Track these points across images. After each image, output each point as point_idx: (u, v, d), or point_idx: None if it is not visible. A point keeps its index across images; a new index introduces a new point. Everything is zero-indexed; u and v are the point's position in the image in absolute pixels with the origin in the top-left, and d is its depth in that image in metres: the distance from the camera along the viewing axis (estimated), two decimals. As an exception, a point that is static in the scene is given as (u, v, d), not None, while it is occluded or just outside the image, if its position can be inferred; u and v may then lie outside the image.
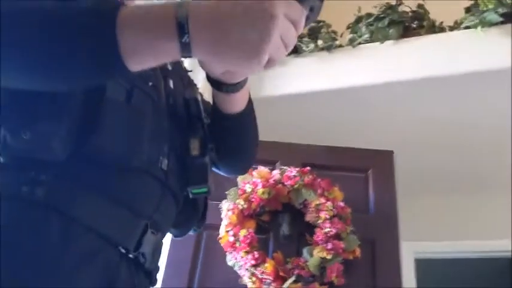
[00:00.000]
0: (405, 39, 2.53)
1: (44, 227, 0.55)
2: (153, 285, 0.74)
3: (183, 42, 0.49)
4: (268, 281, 1.80)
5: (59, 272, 0.54)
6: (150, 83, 0.69)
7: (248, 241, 1.86)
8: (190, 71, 0.90)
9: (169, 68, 0.77)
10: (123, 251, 0.62)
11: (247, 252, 1.84)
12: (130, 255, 0.63)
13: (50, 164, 0.57)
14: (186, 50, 0.50)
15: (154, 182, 0.67)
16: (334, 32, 2.74)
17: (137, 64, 0.51)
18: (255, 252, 1.84)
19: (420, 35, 2.52)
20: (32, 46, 0.48)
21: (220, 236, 1.94)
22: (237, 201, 1.97)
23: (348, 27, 2.75)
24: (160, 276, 1.92)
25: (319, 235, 1.87)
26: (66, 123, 0.57)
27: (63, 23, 0.49)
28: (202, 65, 0.59)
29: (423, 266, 3.28)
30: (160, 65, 0.74)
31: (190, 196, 0.75)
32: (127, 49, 0.48)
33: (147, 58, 0.51)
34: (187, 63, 0.88)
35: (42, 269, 0.53)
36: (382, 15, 2.58)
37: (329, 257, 1.80)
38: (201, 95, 0.84)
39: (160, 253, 0.74)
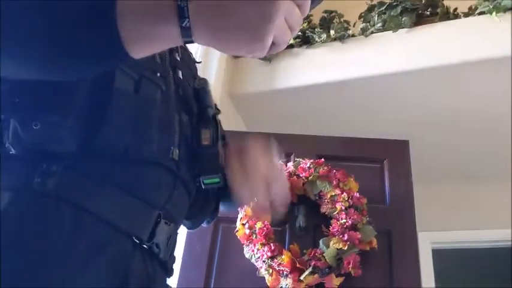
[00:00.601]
0: (418, 27, 2.50)
1: (55, 218, 0.55)
2: (169, 276, 0.74)
3: (183, 26, 0.48)
4: (285, 272, 1.80)
5: (70, 261, 0.54)
6: (158, 74, 0.69)
7: (264, 233, 1.86)
8: (200, 62, 0.90)
9: (178, 58, 0.77)
10: (136, 241, 0.63)
11: (263, 245, 1.85)
12: (144, 246, 0.64)
13: (61, 156, 0.58)
14: (187, 34, 0.48)
15: (165, 172, 0.67)
16: (347, 22, 2.72)
17: (139, 51, 0.51)
18: (272, 244, 1.84)
19: (434, 22, 2.48)
20: (32, 35, 0.48)
21: (236, 228, 1.94)
22: (253, 194, 1.97)
23: (360, 17, 2.72)
24: (177, 269, 1.94)
25: (335, 226, 1.86)
26: (74, 114, 0.57)
27: (62, 13, 0.48)
28: None
29: (439, 256, 3.26)
30: (167, 54, 0.74)
31: (203, 187, 0.75)
32: (128, 36, 0.48)
33: (148, 44, 0.51)
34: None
35: (53, 259, 0.54)
36: (394, 3, 2.55)
37: (345, 248, 1.79)
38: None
39: (175, 244, 0.74)
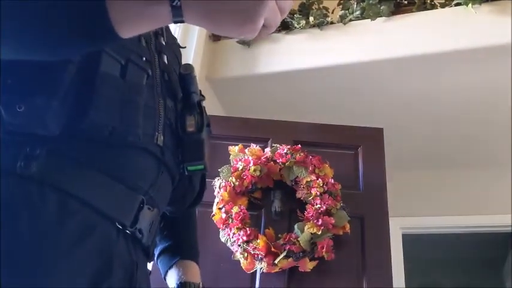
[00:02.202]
0: (396, 16, 2.53)
1: (40, 203, 0.55)
2: (150, 261, 0.75)
3: (174, 5, 0.47)
4: (260, 256, 1.82)
5: (57, 247, 0.54)
6: (144, 58, 0.68)
7: (240, 218, 1.87)
8: (184, 47, 0.90)
9: (163, 43, 0.76)
10: (119, 226, 0.62)
11: (239, 229, 1.86)
12: (127, 231, 0.64)
13: (45, 139, 0.57)
14: (178, 14, 0.47)
15: (150, 158, 0.67)
16: (326, 8, 2.72)
17: (128, 31, 0.49)
18: (247, 229, 1.86)
19: (411, 12, 2.52)
20: (20, 14, 0.47)
21: (213, 213, 1.95)
22: (230, 178, 1.98)
23: (339, 4, 2.73)
24: (152, 253, 1.93)
25: (310, 211, 1.89)
26: (59, 97, 0.56)
27: None
28: None
29: (410, 241, 3.36)
30: (153, 38, 0.73)
31: (186, 173, 0.75)
32: (117, 15, 0.47)
33: (138, 23, 0.49)
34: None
35: (40, 244, 0.53)
36: (373, -8, 2.56)
37: (319, 232, 1.82)
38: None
39: (157, 229, 0.74)
